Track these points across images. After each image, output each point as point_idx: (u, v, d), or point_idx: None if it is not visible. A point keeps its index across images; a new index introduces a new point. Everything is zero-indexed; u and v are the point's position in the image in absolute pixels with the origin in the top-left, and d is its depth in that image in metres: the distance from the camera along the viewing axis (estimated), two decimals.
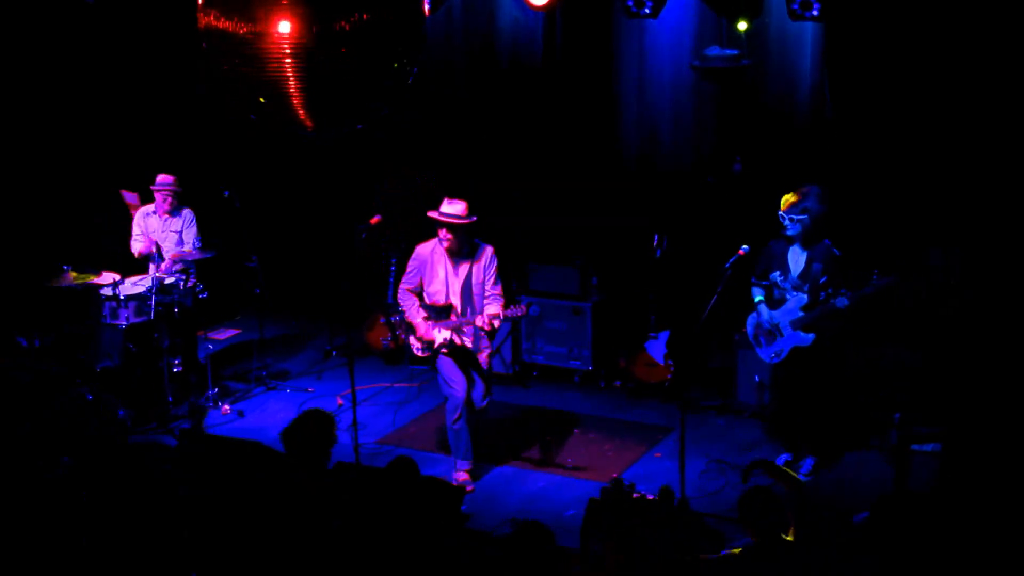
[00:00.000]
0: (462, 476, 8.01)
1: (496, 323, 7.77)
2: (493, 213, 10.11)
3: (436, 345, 7.89)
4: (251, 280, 9.79)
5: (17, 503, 6.19)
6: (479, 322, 7.71)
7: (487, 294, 7.89)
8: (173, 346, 9.30)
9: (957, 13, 8.22)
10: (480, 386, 7.98)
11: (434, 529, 5.82)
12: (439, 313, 7.91)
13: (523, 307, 7.73)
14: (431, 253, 7.93)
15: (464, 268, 7.88)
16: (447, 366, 7.95)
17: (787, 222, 7.62)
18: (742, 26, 8.97)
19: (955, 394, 7.77)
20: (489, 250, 7.92)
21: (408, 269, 8.04)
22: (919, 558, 6.33)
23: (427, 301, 7.96)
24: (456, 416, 7.94)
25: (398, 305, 10.17)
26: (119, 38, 10.69)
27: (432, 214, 7.81)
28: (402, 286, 8.06)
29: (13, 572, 5.64)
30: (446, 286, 7.89)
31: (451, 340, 7.86)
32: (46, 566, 5.65)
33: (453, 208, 7.74)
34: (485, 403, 8.02)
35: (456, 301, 7.88)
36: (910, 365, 8.43)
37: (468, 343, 7.90)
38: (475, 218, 7.79)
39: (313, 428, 6.07)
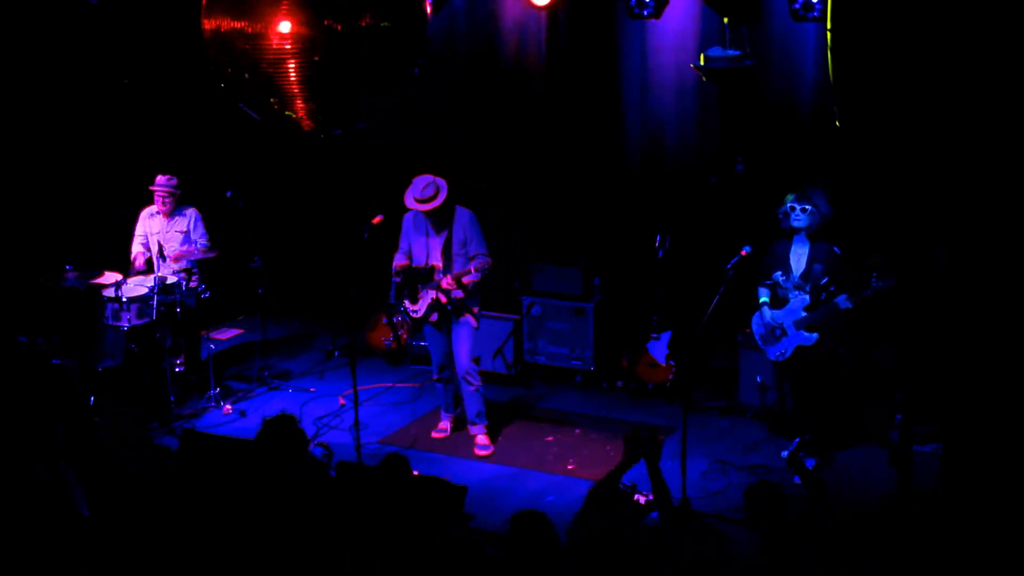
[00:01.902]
0: (444, 424, 8.82)
1: (466, 280, 8.16)
2: (497, 214, 10.16)
3: (425, 307, 8.29)
4: (254, 280, 9.80)
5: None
6: (444, 283, 8.15)
7: (472, 254, 8.23)
8: (175, 346, 9.32)
9: (959, 12, 8.21)
10: (463, 347, 8.36)
11: (433, 528, 5.82)
12: (424, 276, 8.27)
13: (486, 261, 8.14)
14: (413, 218, 8.36)
15: (444, 231, 8.25)
16: (428, 335, 8.60)
17: (797, 212, 7.63)
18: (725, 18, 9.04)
19: (956, 395, 7.76)
20: (467, 212, 8.29)
21: (401, 234, 8.48)
22: (923, 559, 6.32)
23: (413, 265, 8.38)
24: (435, 378, 8.74)
25: (400, 304, 10.23)
26: (122, 38, 10.68)
27: (409, 203, 8.19)
28: (399, 251, 8.49)
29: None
30: (427, 249, 8.28)
31: (437, 300, 8.26)
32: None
33: (425, 193, 8.10)
34: (467, 365, 8.38)
35: (438, 263, 8.24)
36: (911, 366, 8.41)
37: (455, 302, 8.25)
38: (445, 190, 8.12)
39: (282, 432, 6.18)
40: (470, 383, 8.45)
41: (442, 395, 8.84)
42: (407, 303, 8.46)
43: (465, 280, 8.17)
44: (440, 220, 8.23)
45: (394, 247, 10.16)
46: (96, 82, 10.68)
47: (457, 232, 8.22)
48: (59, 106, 10.53)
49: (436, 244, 8.27)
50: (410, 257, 8.40)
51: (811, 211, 7.62)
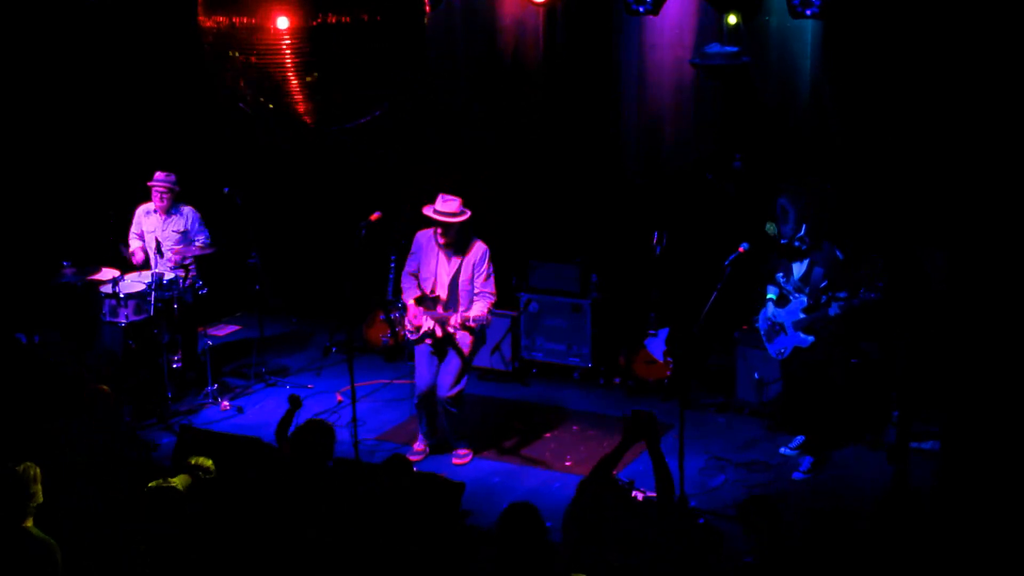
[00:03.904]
0: (419, 446, 8.45)
1: (473, 325, 7.95)
2: (495, 211, 10.15)
3: (421, 332, 8.07)
4: (251, 277, 9.79)
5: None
6: (452, 321, 7.91)
7: (477, 290, 8.02)
8: (173, 342, 9.31)
9: (957, 10, 8.22)
10: (449, 375, 8.12)
11: (432, 526, 5.81)
12: (429, 303, 8.08)
13: (490, 302, 7.95)
14: (428, 241, 8.12)
15: (455, 262, 8.02)
16: (418, 356, 8.26)
17: (797, 243, 7.70)
18: (732, 19, 8.98)
19: (954, 393, 7.77)
20: (482, 247, 8.05)
21: (411, 252, 8.23)
22: (920, 556, 6.33)
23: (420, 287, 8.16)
24: (416, 402, 8.36)
25: (398, 301, 10.23)
26: (120, 37, 10.67)
27: (427, 212, 7.93)
28: (405, 269, 8.27)
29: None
30: (435, 277, 8.06)
31: (433, 330, 8.04)
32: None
33: (447, 207, 7.86)
34: (449, 393, 8.12)
35: (443, 293, 8.04)
36: (909, 364, 8.42)
37: (451, 337, 8.04)
38: (468, 214, 7.92)
39: (313, 439, 6.15)
40: (449, 411, 8.23)
41: (420, 418, 8.45)
42: (406, 322, 8.22)
43: (471, 324, 7.94)
44: (455, 248, 7.98)
45: (392, 244, 10.17)
46: (94, 80, 10.66)
47: (467, 266, 7.99)
48: (57, 103, 10.52)
49: (445, 273, 8.03)
50: (416, 277, 8.18)
51: (801, 235, 7.67)
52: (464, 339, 8.08)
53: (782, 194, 7.70)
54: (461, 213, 7.89)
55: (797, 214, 7.61)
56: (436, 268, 8.05)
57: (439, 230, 7.95)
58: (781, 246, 7.75)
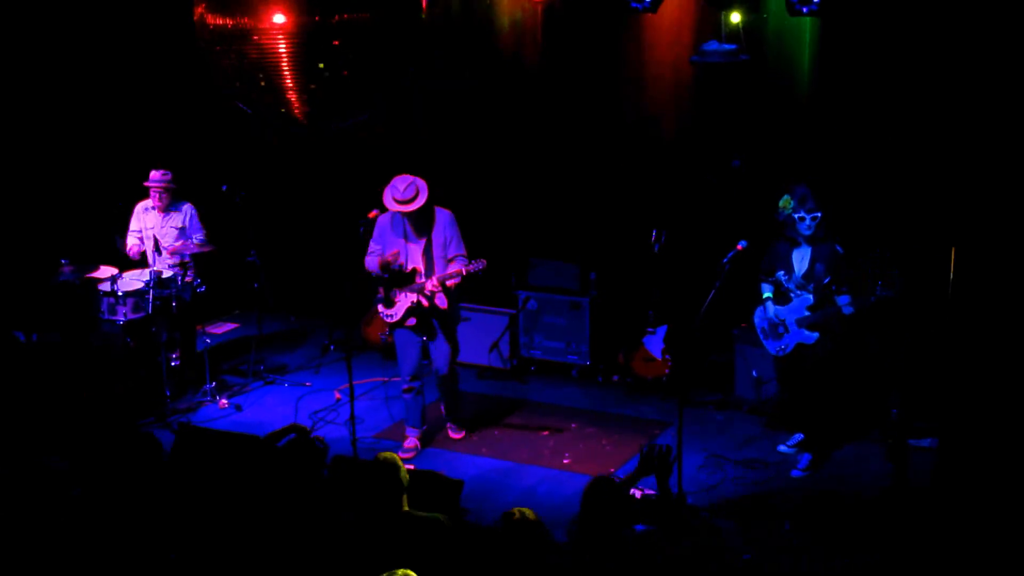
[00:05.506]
0: (411, 443, 8.45)
1: (450, 283, 7.98)
2: (495, 210, 10.15)
3: (402, 311, 8.08)
4: (250, 275, 9.78)
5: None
6: (429, 286, 7.95)
7: (450, 256, 8.03)
8: (171, 340, 9.31)
9: (956, 8, 8.22)
10: (443, 352, 8.23)
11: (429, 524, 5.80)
12: (403, 279, 8.06)
13: (481, 262, 7.85)
14: (390, 221, 8.11)
15: (424, 234, 8.02)
16: (400, 340, 8.28)
17: (808, 221, 7.63)
18: (735, 18, 8.96)
19: (953, 390, 7.77)
20: (445, 214, 8.07)
21: (372, 237, 8.20)
22: (918, 553, 6.33)
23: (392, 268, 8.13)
24: (405, 388, 8.39)
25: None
26: (118, 34, 10.66)
27: (388, 204, 7.93)
28: (368, 256, 8.22)
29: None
30: (406, 252, 8.06)
31: (418, 302, 8.04)
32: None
33: (406, 194, 7.83)
34: (447, 368, 8.28)
35: (419, 266, 8.04)
36: (909, 362, 8.43)
37: (438, 305, 8.07)
38: (426, 193, 7.87)
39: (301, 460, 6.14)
40: (448, 386, 8.34)
41: (409, 409, 8.50)
42: (381, 307, 8.21)
43: (449, 283, 7.98)
44: (420, 222, 7.99)
45: None
46: (93, 77, 10.66)
47: (437, 235, 8.00)
48: (55, 102, 10.51)
49: (416, 247, 8.03)
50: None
51: (820, 218, 7.62)
52: (444, 303, 8.09)
53: (801, 183, 7.72)
54: (419, 194, 7.85)
55: (816, 201, 7.63)
56: (406, 244, 8.06)
57: (400, 215, 7.98)
58: (793, 219, 7.68)
